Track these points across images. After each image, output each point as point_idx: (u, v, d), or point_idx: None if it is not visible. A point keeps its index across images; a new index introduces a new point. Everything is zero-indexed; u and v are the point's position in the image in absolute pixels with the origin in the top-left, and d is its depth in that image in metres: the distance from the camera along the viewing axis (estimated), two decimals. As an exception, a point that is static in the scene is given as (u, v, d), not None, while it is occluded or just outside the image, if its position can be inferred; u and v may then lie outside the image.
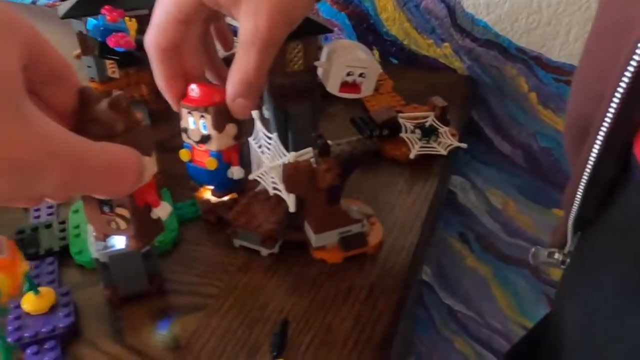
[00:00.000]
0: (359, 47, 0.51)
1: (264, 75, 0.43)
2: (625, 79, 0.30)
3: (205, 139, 0.48)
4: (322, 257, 0.48)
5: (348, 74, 0.50)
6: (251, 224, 0.48)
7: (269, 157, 0.47)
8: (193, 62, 0.47)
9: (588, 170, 0.36)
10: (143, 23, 0.62)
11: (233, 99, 0.44)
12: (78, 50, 0.79)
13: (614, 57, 0.31)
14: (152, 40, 0.44)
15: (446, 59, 0.79)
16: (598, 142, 0.34)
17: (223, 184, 0.51)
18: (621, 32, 0.31)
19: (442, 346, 1.11)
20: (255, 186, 0.51)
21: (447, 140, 0.60)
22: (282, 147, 0.45)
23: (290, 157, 0.43)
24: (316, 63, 0.51)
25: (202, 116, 0.47)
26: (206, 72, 0.50)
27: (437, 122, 0.62)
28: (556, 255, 0.45)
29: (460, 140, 0.62)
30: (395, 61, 0.82)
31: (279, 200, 0.48)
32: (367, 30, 0.81)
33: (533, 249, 0.49)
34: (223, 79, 0.50)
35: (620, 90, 0.31)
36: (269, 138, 0.46)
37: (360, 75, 0.50)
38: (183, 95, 0.47)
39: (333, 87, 0.51)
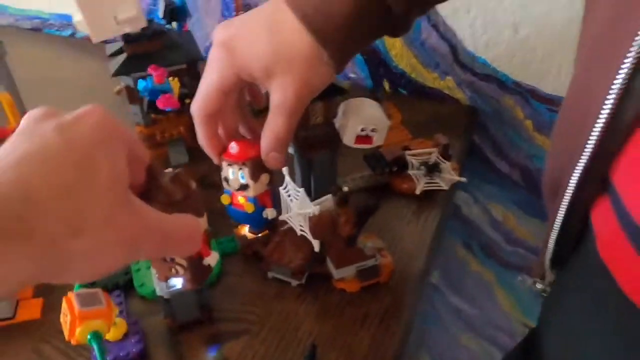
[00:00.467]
0: (370, 106, 0.60)
1: (291, 133, 0.52)
2: (583, 161, 0.39)
3: (243, 187, 0.57)
4: (342, 287, 0.57)
5: (362, 130, 0.59)
6: (283, 259, 0.57)
7: (297, 205, 0.56)
8: (230, 122, 0.56)
9: (557, 227, 0.45)
10: (182, 76, 0.72)
11: (267, 153, 0.52)
12: (118, 87, 0.89)
13: (580, 128, 0.39)
14: (198, 108, 0.53)
15: (450, 90, 0.87)
16: (562, 209, 0.43)
17: (258, 223, 0.60)
18: (586, 108, 0.39)
19: (449, 341, 1.21)
20: (283, 223, 0.61)
21: (448, 176, 0.69)
22: (307, 200, 0.54)
23: (315, 209, 0.53)
24: (334, 121, 0.60)
25: (241, 168, 0.56)
26: (240, 127, 0.59)
27: (440, 158, 0.70)
28: (538, 286, 0.54)
29: (463, 162, 0.70)
30: (403, 91, 0.90)
31: (306, 238, 0.57)
32: (378, 64, 0.89)
33: (519, 277, 0.58)
34: (254, 132, 0.59)
35: (582, 161, 0.39)
36: (297, 191, 0.55)
37: (372, 130, 0.59)
38: (223, 150, 0.56)
39: (349, 140, 0.59)
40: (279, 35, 0.46)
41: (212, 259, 0.49)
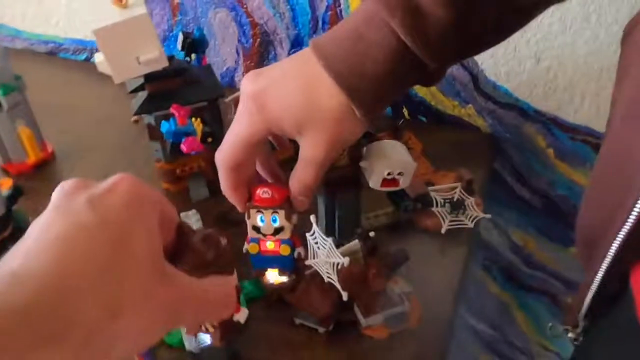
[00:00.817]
0: (397, 149, 0.59)
1: (319, 182, 0.52)
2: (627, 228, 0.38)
3: (278, 231, 0.56)
4: (370, 334, 0.57)
5: (388, 174, 0.58)
6: (310, 307, 0.57)
7: (324, 253, 0.55)
8: (253, 169, 0.55)
9: (595, 286, 0.44)
10: (203, 113, 0.71)
11: (295, 197, 0.52)
12: (135, 117, 0.88)
13: (623, 195, 0.38)
14: (223, 159, 0.52)
15: (470, 118, 0.86)
16: (601, 270, 0.42)
17: (290, 264, 0.60)
18: (629, 175, 0.39)
19: (467, 361, 1.20)
20: (308, 267, 0.60)
21: (473, 212, 0.68)
22: (336, 250, 0.54)
23: (345, 261, 0.52)
24: (361, 164, 0.59)
25: (275, 212, 0.55)
26: (261, 170, 0.58)
27: (464, 193, 0.70)
28: (570, 334, 0.54)
29: (485, 193, 0.70)
30: (423, 119, 0.89)
31: (332, 285, 0.56)
32: (397, 91, 0.88)
33: (550, 324, 0.57)
34: (276, 177, 0.58)
35: (625, 228, 0.39)
36: (325, 240, 0.54)
37: (399, 173, 0.58)
38: (247, 198, 0.56)
39: (375, 184, 0.59)
40: (311, 93, 0.46)
41: (241, 315, 0.49)
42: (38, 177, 0.79)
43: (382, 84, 0.45)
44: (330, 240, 0.54)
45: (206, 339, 0.50)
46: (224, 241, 0.46)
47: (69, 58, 1.10)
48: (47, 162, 0.82)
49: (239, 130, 0.50)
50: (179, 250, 0.43)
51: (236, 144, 0.51)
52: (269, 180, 0.59)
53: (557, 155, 0.84)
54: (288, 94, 0.47)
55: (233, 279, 0.46)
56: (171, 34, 0.96)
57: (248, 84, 0.49)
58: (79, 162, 0.83)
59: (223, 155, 0.52)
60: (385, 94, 0.46)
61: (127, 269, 0.29)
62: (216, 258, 0.45)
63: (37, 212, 0.30)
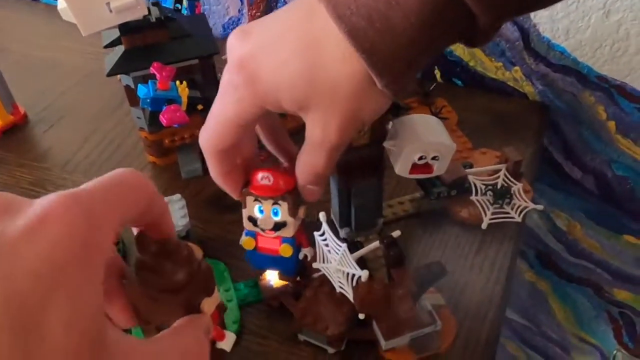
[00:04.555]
0: (431, 127, 0.46)
1: (332, 168, 0.41)
2: None
3: (279, 226, 0.45)
4: (392, 359, 0.46)
5: (420, 158, 0.45)
6: (317, 324, 0.46)
7: (337, 259, 0.44)
8: (250, 149, 0.44)
9: None
10: (193, 74, 0.59)
11: (303, 185, 0.42)
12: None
13: None
14: (208, 142, 0.41)
15: (516, 83, 0.72)
16: None
17: (294, 267, 0.48)
18: None
19: (493, 348, 1.10)
20: (316, 270, 0.49)
21: (521, 202, 0.56)
22: (351, 259, 0.42)
23: (363, 275, 0.40)
24: (385, 144, 0.47)
25: (276, 203, 0.44)
26: (274, 151, 0.47)
27: (509, 177, 0.57)
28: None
29: (534, 176, 0.57)
30: (459, 82, 0.75)
31: (345, 297, 0.45)
32: (429, 49, 0.74)
33: (615, 351, 0.45)
34: (286, 153, 0.47)
35: None
36: (339, 245, 0.43)
37: (434, 158, 0.46)
38: (242, 183, 0.44)
39: (402, 170, 0.46)
40: (316, 56, 0.34)
41: (226, 343, 0.38)
42: (5, 145, 0.68)
43: (414, 43, 0.32)
44: (344, 246, 0.42)
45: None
46: (199, 255, 0.35)
47: (54, 4, 0.96)
48: (18, 127, 0.71)
49: (223, 108, 0.39)
50: (139, 268, 0.33)
51: (220, 126, 0.39)
52: (280, 157, 0.47)
53: (620, 129, 0.70)
54: (284, 60, 0.35)
55: (211, 300, 0.35)
56: (165, -23, 0.83)
57: (234, 45, 0.37)
58: (54, 127, 0.72)
59: (207, 139, 0.41)
60: (415, 58, 0.33)
61: None
62: (190, 279, 0.34)
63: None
